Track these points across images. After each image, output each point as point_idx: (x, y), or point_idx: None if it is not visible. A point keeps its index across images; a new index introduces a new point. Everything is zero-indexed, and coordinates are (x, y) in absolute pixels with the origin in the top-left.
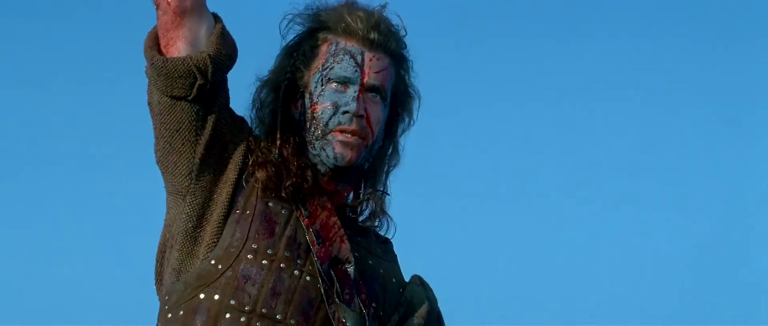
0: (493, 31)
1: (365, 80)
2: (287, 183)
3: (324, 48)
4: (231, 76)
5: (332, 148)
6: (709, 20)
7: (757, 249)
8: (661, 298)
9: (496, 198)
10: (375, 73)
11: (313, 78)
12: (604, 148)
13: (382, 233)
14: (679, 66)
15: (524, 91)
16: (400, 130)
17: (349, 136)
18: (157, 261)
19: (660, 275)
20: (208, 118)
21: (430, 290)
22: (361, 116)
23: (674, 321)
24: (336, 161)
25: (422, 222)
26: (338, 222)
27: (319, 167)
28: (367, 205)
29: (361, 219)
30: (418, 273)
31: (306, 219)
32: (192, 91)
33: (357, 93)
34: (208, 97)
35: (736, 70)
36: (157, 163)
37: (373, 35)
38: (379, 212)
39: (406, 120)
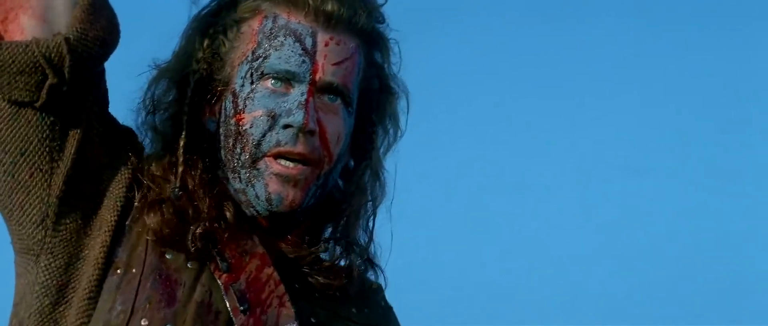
0: (486, 22)
1: (318, 76)
2: (197, 232)
3: (255, 24)
4: (117, 56)
5: (264, 184)
6: (712, 18)
7: (757, 249)
8: (660, 298)
9: (493, 196)
10: (334, 64)
11: (238, 71)
12: (604, 147)
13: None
14: (679, 65)
15: (522, 88)
16: (379, 148)
17: (292, 165)
18: None
19: (660, 275)
20: (70, 133)
21: None
22: (311, 132)
23: (674, 321)
24: (270, 206)
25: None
26: (276, 275)
27: (244, 209)
28: (333, 253)
29: (328, 258)
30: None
31: (224, 276)
32: (40, 95)
33: (305, 96)
34: (69, 102)
35: (737, 69)
36: None
37: (330, 6)
38: (355, 266)
39: (389, 131)
